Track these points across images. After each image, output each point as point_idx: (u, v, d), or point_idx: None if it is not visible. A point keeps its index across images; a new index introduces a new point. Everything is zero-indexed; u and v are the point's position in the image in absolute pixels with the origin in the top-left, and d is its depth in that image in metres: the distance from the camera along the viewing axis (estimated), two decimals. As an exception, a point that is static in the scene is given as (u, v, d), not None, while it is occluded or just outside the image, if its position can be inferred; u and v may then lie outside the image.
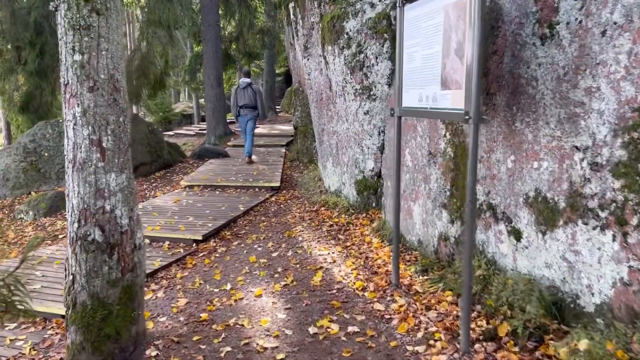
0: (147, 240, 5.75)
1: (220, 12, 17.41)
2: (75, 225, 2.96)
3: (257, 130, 16.49)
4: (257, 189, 8.20)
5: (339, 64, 6.52)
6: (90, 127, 2.90)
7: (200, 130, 22.58)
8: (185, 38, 20.55)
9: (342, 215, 6.32)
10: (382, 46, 5.98)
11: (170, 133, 25.23)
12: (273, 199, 7.68)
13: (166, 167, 10.46)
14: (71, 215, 2.98)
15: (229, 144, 14.12)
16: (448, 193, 4.15)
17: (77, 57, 2.87)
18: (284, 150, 12.77)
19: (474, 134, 2.74)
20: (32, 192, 8.79)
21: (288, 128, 17.14)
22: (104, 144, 2.94)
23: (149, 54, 17.20)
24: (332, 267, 4.67)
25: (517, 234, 3.33)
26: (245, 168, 9.84)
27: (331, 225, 6.07)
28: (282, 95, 28.45)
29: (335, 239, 5.58)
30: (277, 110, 25.15)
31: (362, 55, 6.16)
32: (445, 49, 3.01)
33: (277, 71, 28.61)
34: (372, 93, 6.13)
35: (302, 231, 6.02)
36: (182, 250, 5.44)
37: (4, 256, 6.06)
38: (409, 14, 3.56)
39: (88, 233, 2.95)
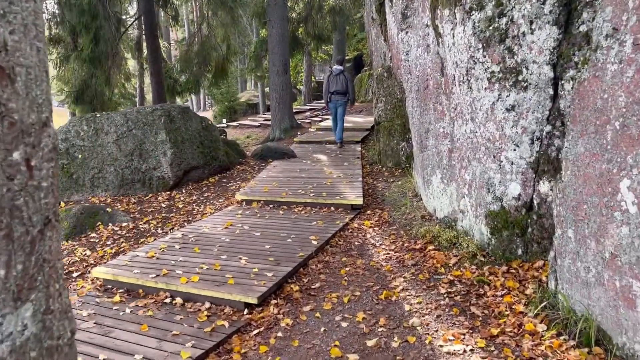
0: (179, 300, 3.92)
1: (287, -11, 15.53)
2: None
3: (325, 124, 14.62)
4: (332, 208, 6.20)
5: (462, 36, 4.35)
6: None
7: (265, 120, 21.07)
8: (250, 20, 18.85)
9: (466, 264, 4.19)
10: (543, 3, 3.72)
11: (234, 124, 23.96)
12: (355, 224, 5.65)
13: (222, 170, 8.73)
14: None
15: (295, 139, 12.28)
16: None
17: None
18: (359, 149, 10.71)
19: None
20: (61, 203, 7.35)
21: (361, 120, 15.05)
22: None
23: (209, 39, 15.68)
24: (483, 395, 2.58)
25: None
26: (315, 174, 7.89)
27: (451, 283, 3.96)
28: (351, 82, 26.33)
29: (465, 314, 3.47)
30: (347, 99, 23.08)
31: (504, 20, 3.95)
32: None
33: (346, 57, 26.49)
34: (521, 78, 3.90)
35: (407, 290, 3.95)
36: (226, 323, 3.55)
37: None
38: None
39: None
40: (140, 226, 6.21)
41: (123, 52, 21.35)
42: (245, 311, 3.71)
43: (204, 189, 7.83)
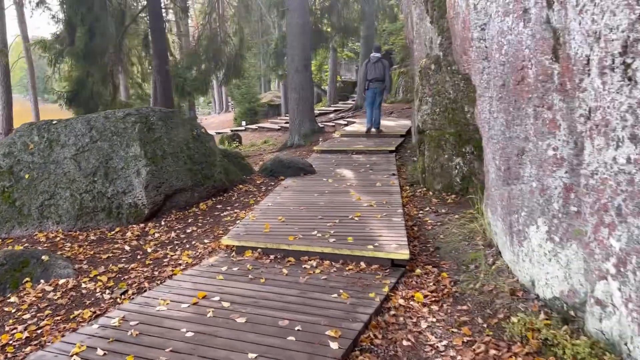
0: None
1: (308, -28, 13.54)
2: None
3: (352, 129, 12.60)
4: (363, 264, 4.14)
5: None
6: None
7: (286, 123, 19.16)
8: (268, 10, 16.91)
9: None
10: None
11: (253, 126, 22.10)
12: (400, 298, 3.56)
13: (218, 193, 6.76)
14: None
15: (316, 147, 10.28)
16: None
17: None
18: (394, 160, 8.64)
19: None
20: (-3, 240, 5.52)
21: (393, 124, 12.92)
22: None
23: (220, 31, 13.81)
24: None
25: None
26: (338, 201, 5.85)
27: None
28: (389, 69, 24.08)
29: None
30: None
31: None
32: None
33: (375, 53, 24.27)
34: None
35: None
36: None
37: None
38: None
39: None
40: (84, 285, 4.28)
41: (132, 49, 19.73)
42: None
43: (189, 221, 5.87)
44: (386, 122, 12.72)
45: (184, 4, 15.30)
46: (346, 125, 14.52)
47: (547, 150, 3.02)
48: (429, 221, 5.26)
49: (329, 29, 15.72)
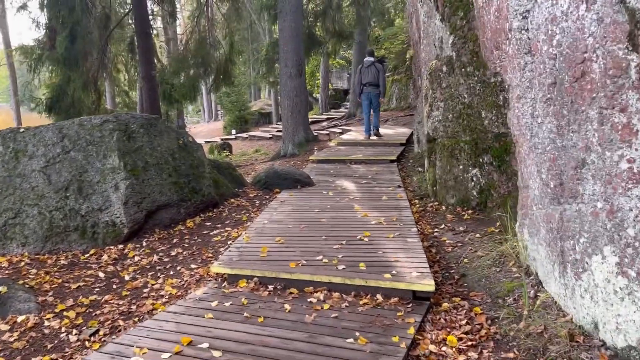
0: None
1: (302, -26, 12.99)
2: None
3: (348, 137, 12.04)
4: (379, 297, 3.50)
5: None
6: None
7: (277, 131, 18.60)
8: (259, 14, 16.26)
9: None
10: None
11: (244, 135, 21.50)
12: (429, 343, 2.92)
13: (207, 208, 6.09)
14: None
15: (312, 157, 9.67)
16: None
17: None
18: (396, 171, 8.05)
19: None
20: (-51, 268, 4.80)
21: (391, 132, 12.37)
22: None
23: (208, 35, 13.18)
24: None
25: None
26: (343, 217, 5.22)
27: None
28: (383, 73, 23.61)
29: None
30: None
31: None
32: None
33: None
34: None
35: None
36: None
37: None
38: None
39: None
40: (47, 323, 3.59)
41: (118, 55, 18.98)
42: None
43: (174, 241, 5.19)
44: (384, 130, 12.16)
45: (171, 8, 14.64)
46: (341, 133, 13.96)
47: (619, 162, 2.43)
48: (447, 241, 4.65)
49: (322, 34, 15.16)
